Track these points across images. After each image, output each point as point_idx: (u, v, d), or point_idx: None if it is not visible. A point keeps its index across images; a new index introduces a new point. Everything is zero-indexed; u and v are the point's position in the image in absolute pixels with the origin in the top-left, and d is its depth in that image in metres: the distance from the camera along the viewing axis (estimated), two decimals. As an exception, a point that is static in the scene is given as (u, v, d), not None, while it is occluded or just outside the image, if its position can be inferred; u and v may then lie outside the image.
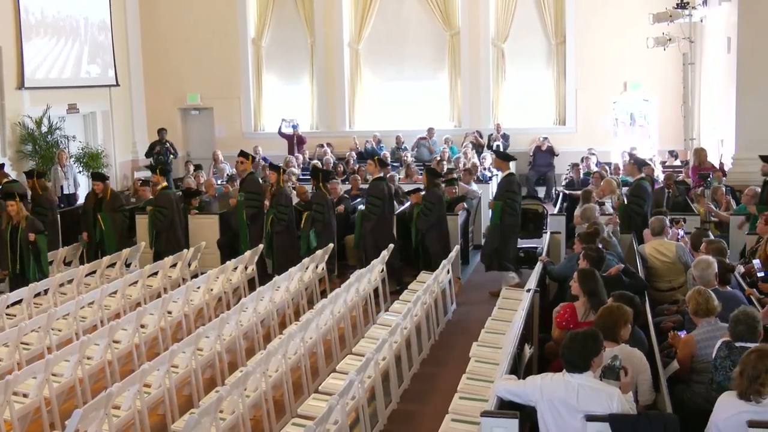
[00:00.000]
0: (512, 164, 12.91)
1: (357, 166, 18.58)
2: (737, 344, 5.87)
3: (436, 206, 12.74)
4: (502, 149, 20.35)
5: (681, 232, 10.46)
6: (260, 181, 13.97)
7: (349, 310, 10.09)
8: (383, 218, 12.87)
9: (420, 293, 9.62)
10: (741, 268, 9.14)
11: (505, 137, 21.08)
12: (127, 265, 12.88)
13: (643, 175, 12.74)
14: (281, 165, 14.29)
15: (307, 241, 12.73)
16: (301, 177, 17.85)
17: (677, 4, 17.94)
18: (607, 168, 17.31)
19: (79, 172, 18.92)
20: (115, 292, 10.84)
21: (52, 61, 19.56)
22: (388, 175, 14.51)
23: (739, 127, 15.27)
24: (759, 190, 12.38)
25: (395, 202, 13.93)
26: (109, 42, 21.35)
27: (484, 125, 21.68)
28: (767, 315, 6.75)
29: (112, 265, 12.57)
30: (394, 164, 19.44)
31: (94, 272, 12.11)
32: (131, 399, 6.97)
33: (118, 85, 21.68)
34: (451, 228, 13.32)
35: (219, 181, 17.46)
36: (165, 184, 13.95)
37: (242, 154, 13.62)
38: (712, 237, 9.72)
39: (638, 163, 12.81)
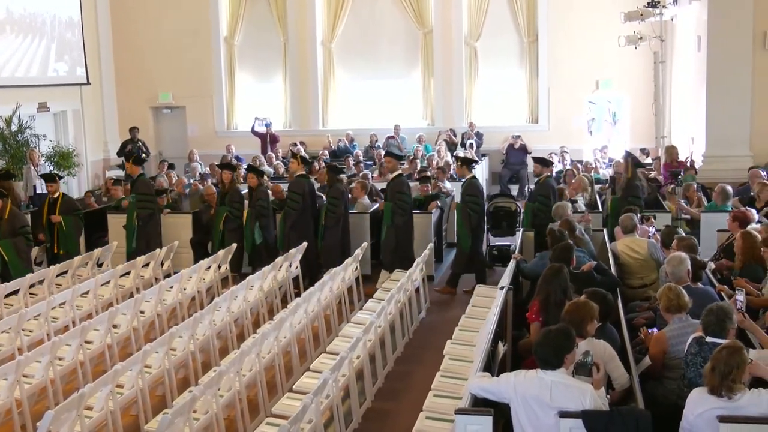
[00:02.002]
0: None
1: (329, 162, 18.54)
2: (708, 340, 5.92)
3: (340, 201, 12.81)
4: (475, 147, 20.50)
5: (652, 229, 10.53)
6: (151, 182, 14.21)
7: (323, 309, 10.08)
8: (304, 214, 12.94)
9: (394, 292, 9.63)
10: (712, 265, 9.23)
11: (479, 135, 21.16)
12: (99, 265, 12.78)
13: (473, 174, 12.85)
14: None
15: (252, 237, 12.81)
16: (271, 176, 17.87)
17: (648, 3, 18.05)
18: (579, 166, 17.40)
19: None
20: (86, 293, 10.75)
21: (19, 59, 19.35)
22: (361, 173, 14.61)
23: (710, 125, 15.40)
24: (729, 188, 12.50)
25: (368, 200, 13.99)
26: (77, 39, 21.13)
27: (457, 123, 21.74)
28: (732, 306, 6.81)
29: (84, 265, 12.47)
30: (368, 162, 19.46)
31: (66, 272, 12.00)
32: (104, 400, 6.92)
33: (89, 83, 21.50)
34: (425, 226, 13.36)
35: (191, 180, 17.40)
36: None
37: (127, 158, 14.04)
38: (682, 234, 9.80)
39: (466, 163, 12.92)
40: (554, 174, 16.95)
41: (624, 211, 10.70)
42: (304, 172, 13.34)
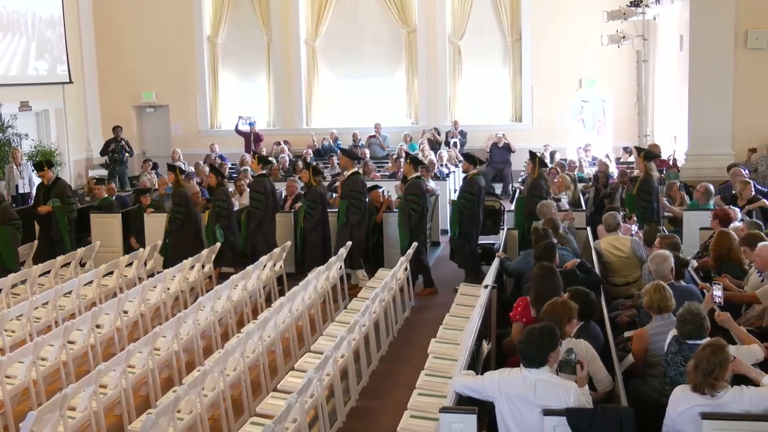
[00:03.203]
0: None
1: (315, 163, 18.54)
2: (687, 342, 5.96)
3: (318, 204, 12.84)
4: (459, 146, 20.55)
5: (634, 228, 10.57)
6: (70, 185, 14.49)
7: (308, 308, 10.07)
8: (267, 214, 12.98)
9: (378, 290, 9.62)
10: (694, 263, 9.27)
11: (463, 134, 21.23)
12: (82, 265, 12.71)
13: (418, 173, 12.93)
14: (178, 165, 14.34)
15: (214, 237, 12.85)
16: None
17: (631, 2, 18.15)
18: (563, 164, 17.44)
19: (33, 170, 18.64)
20: (69, 292, 10.69)
21: (-2, 58, 19.24)
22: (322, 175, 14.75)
23: (692, 124, 15.48)
24: (712, 187, 12.58)
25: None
26: (57, 37, 20.94)
27: (441, 122, 21.79)
28: (710, 301, 6.83)
29: (67, 264, 12.40)
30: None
31: (48, 272, 11.93)
32: (87, 400, 6.89)
33: (71, 82, 21.38)
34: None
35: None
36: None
37: (38, 166, 13.97)
38: (665, 232, 9.85)
39: (414, 162, 13.09)
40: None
41: (606, 210, 10.75)
42: (264, 172, 13.38)
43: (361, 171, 13.68)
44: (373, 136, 21.34)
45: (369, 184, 14.74)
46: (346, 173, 13.06)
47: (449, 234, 12.81)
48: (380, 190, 13.90)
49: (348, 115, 22.45)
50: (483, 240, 13.55)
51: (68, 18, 21.24)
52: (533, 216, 11.94)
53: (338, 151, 18.41)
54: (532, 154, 13.17)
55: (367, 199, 12.96)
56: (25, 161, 17.95)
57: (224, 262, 12.82)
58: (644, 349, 6.57)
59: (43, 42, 20.54)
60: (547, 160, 18.13)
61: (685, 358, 5.83)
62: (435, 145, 20.34)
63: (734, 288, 8.29)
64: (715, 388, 5.21)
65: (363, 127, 21.60)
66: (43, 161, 14.34)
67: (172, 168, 13.61)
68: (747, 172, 13.61)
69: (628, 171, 15.31)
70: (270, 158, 14.98)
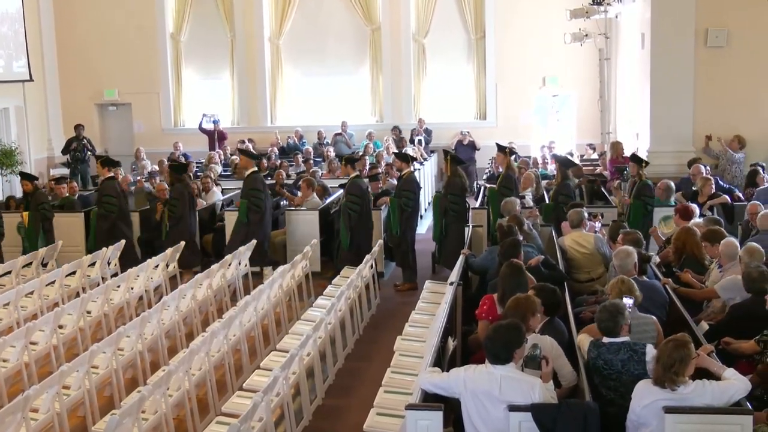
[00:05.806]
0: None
1: (279, 161, 18.53)
2: (605, 341, 5.99)
3: (179, 201, 13.05)
4: (424, 144, 20.59)
5: (598, 225, 10.65)
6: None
7: (273, 306, 10.04)
8: (120, 215, 13.25)
9: (344, 288, 9.63)
10: (657, 259, 9.37)
11: (428, 132, 21.27)
12: (44, 265, 12.56)
13: (357, 173, 13.09)
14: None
15: (36, 239, 13.18)
16: (223, 173, 17.85)
17: (593, 1, 18.28)
18: (527, 161, 17.54)
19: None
20: (31, 293, 10.56)
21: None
22: (311, 170, 14.65)
23: (654, 121, 15.64)
24: (672, 183, 12.73)
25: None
26: (13, 33, 20.45)
27: (406, 120, 21.83)
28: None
29: (28, 264, 12.24)
30: (317, 159, 19.42)
31: (9, 272, 11.77)
32: (50, 401, 6.81)
33: (31, 79, 21.07)
34: (375, 222, 13.36)
35: (138, 178, 17.22)
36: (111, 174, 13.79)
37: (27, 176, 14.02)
38: (628, 229, 9.94)
39: (349, 162, 13.31)
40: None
41: (569, 207, 10.84)
42: (111, 175, 13.51)
43: (258, 169, 13.65)
44: (339, 134, 21.32)
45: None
46: (246, 173, 13.08)
47: (390, 232, 12.88)
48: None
49: (313, 113, 22.41)
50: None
51: (28, 14, 20.87)
52: (448, 214, 12.39)
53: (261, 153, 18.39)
54: (446, 153, 13.38)
55: (268, 198, 13.06)
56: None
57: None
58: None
59: (-2, 38, 20.12)
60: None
61: (605, 361, 5.88)
62: (398, 145, 20.32)
63: (696, 284, 8.41)
64: (674, 383, 5.26)
65: (328, 124, 21.57)
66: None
67: (27, 176, 13.87)
68: (708, 168, 13.79)
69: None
70: (116, 161, 14.81)
